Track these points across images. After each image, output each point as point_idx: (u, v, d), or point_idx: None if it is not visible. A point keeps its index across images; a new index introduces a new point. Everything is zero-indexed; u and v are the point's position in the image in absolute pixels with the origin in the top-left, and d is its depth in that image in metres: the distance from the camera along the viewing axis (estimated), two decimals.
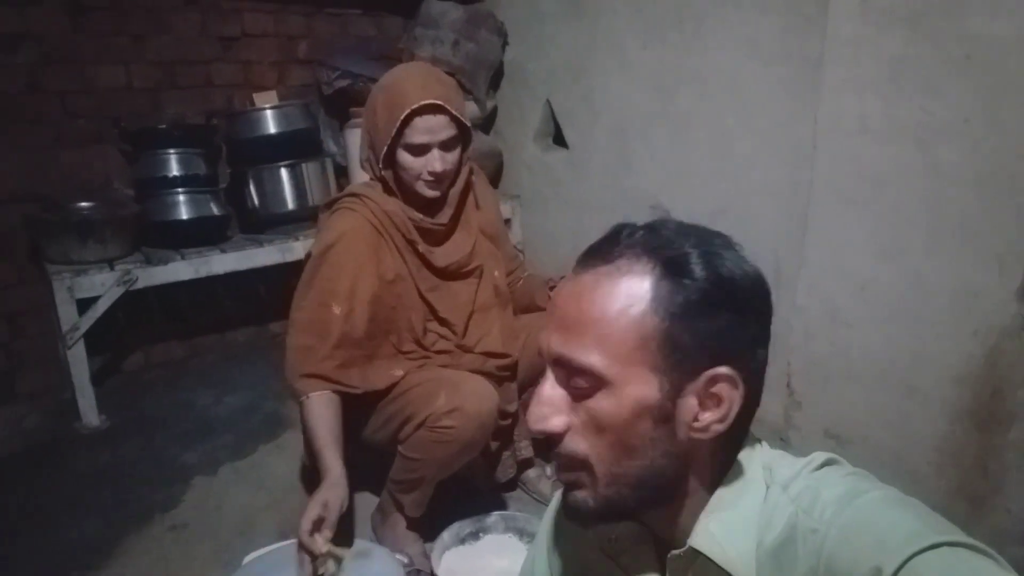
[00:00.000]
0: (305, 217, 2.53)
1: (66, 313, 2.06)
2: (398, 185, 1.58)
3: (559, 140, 2.65)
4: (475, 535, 1.59)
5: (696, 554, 0.65)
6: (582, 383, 0.63)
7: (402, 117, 1.47)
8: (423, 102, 1.46)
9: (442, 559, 1.51)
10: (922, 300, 1.56)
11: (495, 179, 2.88)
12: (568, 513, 0.68)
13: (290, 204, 2.45)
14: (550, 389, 0.66)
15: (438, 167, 1.51)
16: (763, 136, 1.88)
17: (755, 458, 0.68)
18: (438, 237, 1.64)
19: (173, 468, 1.96)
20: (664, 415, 0.62)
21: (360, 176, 2.55)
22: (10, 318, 2.33)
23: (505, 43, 2.72)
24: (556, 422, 0.65)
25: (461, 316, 1.66)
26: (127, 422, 2.20)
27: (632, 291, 0.62)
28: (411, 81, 1.52)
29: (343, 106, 2.67)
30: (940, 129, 1.47)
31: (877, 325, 1.66)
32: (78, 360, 2.11)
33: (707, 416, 0.63)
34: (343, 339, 1.50)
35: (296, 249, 2.45)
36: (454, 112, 1.50)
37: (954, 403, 1.53)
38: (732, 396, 0.63)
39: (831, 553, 0.56)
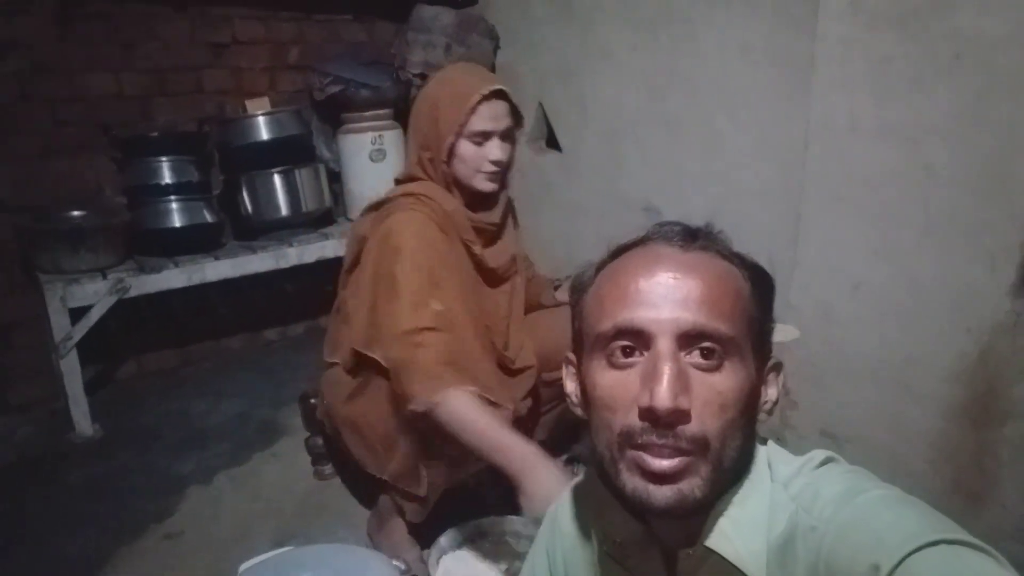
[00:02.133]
0: (299, 223, 2.53)
1: (59, 323, 2.05)
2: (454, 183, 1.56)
3: (551, 142, 2.65)
4: (472, 540, 1.58)
5: (708, 553, 0.65)
6: (713, 357, 0.62)
7: (473, 103, 1.47)
8: (492, 87, 1.49)
9: (439, 564, 1.51)
10: (915, 298, 1.57)
11: None
12: (668, 507, 0.62)
13: (284, 210, 2.45)
14: (679, 364, 0.62)
15: (499, 154, 1.51)
16: (754, 137, 1.88)
17: (760, 456, 0.69)
18: (489, 238, 1.63)
19: (167, 477, 1.95)
20: (757, 395, 0.67)
21: (361, 183, 2.56)
22: (2, 329, 2.32)
23: (497, 46, 2.73)
24: (688, 400, 0.61)
25: (502, 326, 1.64)
26: (121, 431, 2.19)
27: (736, 273, 0.68)
28: (473, 74, 1.57)
29: (335, 112, 2.67)
30: (930, 128, 1.47)
31: (871, 324, 1.66)
32: (71, 370, 2.11)
33: (768, 399, 0.69)
34: (450, 338, 1.35)
35: (290, 255, 2.44)
36: (513, 102, 1.53)
37: (949, 400, 1.54)
38: (777, 383, 0.69)
39: (830, 550, 0.57)
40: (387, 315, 1.37)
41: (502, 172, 1.56)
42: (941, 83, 1.44)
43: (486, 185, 1.54)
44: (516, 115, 1.56)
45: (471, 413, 1.23)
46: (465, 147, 1.51)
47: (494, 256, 1.62)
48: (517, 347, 1.64)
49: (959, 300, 1.49)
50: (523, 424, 1.64)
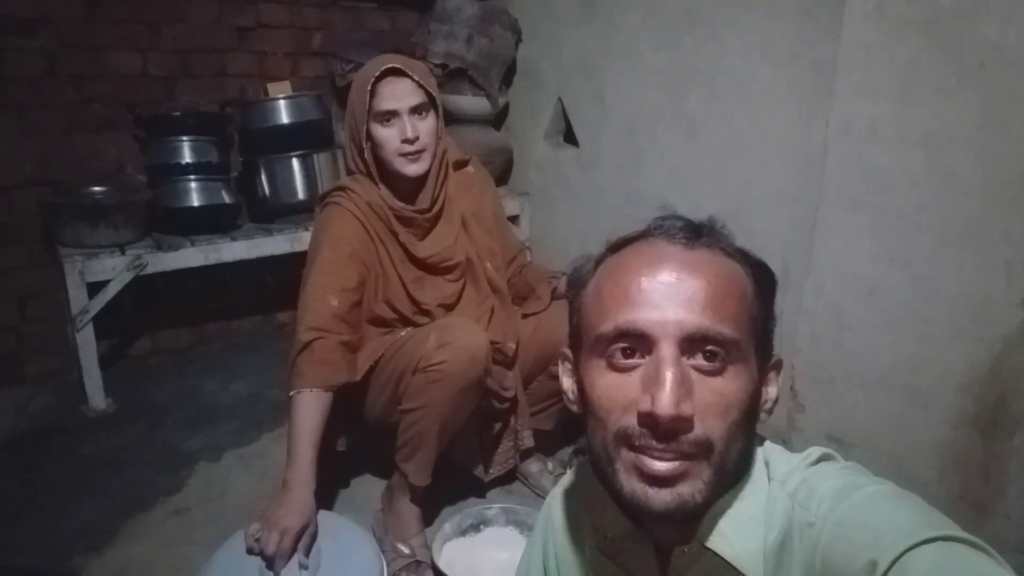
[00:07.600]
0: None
1: (76, 296, 2.08)
2: (381, 172, 1.60)
3: (569, 138, 2.66)
4: (476, 527, 1.60)
5: (702, 550, 0.65)
6: (716, 360, 0.61)
7: (369, 85, 1.51)
8: (384, 67, 1.52)
9: (443, 550, 1.52)
10: (928, 306, 1.56)
11: (504, 175, 2.89)
12: (667, 511, 0.60)
13: (300, 194, 2.46)
14: (682, 368, 0.60)
15: (409, 132, 1.52)
16: (773, 139, 1.88)
17: (758, 454, 0.69)
18: (421, 227, 1.64)
19: (177, 453, 1.98)
20: (759, 395, 0.66)
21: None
22: (21, 301, 2.35)
23: (519, 40, 2.73)
24: (691, 405, 0.59)
25: (444, 310, 1.67)
26: (133, 406, 2.22)
27: (741, 272, 0.66)
28: (375, 61, 1.57)
29: None
30: (951, 136, 1.47)
31: (883, 330, 1.66)
32: (87, 343, 2.13)
33: (768, 399, 0.68)
34: (343, 329, 1.53)
35: (305, 239, 2.45)
36: (416, 78, 1.52)
37: (958, 409, 1.53)
38: (777, 382, 0.69)
39: (827, 547, 0.57)
40: (299, 307, 1.57)
41: (424, 151, 1.56)
42: (965, 91, 1.44)
43: (409, 168, 1.56)
44: (427, 90, 1.55)
45: (296, 417, 1.44)
46: (377, 131, 1.55)
47: (426, 246, 1.64)
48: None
49: (973, 309, 1.49)
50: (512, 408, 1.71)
